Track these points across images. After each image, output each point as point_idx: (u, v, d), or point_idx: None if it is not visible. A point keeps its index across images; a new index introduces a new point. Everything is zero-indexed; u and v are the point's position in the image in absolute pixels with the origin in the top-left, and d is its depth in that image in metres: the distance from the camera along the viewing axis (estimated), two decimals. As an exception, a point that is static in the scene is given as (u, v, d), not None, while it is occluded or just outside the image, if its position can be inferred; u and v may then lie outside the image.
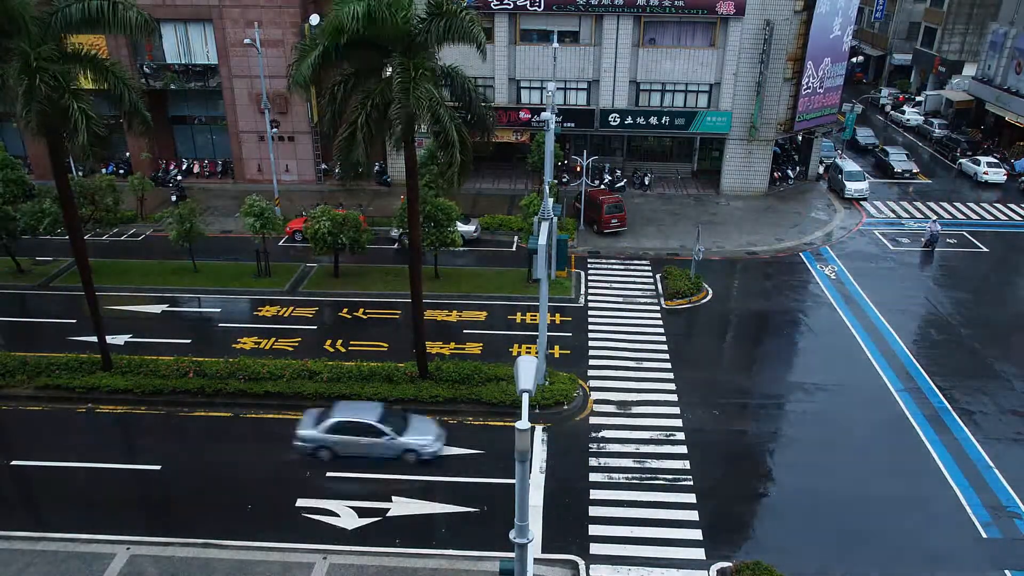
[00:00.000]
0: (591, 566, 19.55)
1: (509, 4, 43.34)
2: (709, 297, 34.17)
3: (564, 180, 46.69)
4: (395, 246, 38.52)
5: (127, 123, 24.21)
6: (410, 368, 26.62)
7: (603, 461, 23.46)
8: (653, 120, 45.64)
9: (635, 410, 25.94)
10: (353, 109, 21.47)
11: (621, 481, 22.61)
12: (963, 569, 19.85)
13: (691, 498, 21.91)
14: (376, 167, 46.53)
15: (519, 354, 25.72)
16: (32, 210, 33.62)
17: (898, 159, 52.02)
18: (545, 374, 26.61)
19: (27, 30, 21.23)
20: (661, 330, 31.12)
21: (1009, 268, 37.91)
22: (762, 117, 44.77)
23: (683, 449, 23.99)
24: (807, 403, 26.64)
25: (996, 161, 50.49)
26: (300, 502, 21.56)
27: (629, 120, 45.64)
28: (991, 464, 23.58)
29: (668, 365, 28.54)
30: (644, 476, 22.82)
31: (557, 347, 29.73)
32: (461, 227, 36.66)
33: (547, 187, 25.69)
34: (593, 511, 21.42)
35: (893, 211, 45.13)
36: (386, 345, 29.76)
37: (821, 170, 50.49)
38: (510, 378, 26.27)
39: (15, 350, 28.19)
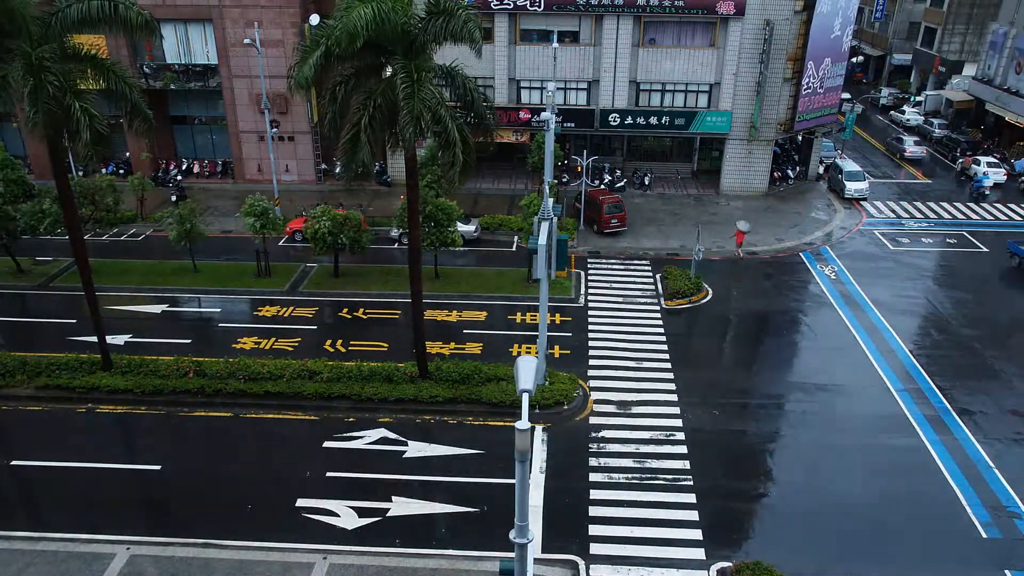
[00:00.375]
0: (591, 566, 19.54)
1: (509, 4, 43.35)
2: (709, 297, 34.17)
3: (564, 180, 46.69)
4: (395, 246, 38.54)
5: (128, 122, 24.19)
6: (410, 368, 26.62)
7: (603, 461, 23.45)
8: (653, 120, 45.64)
9: (635, 410, 25.94)
10: (355, 110, 21.46)
11: (621, 481, 22.60)
12: (963, 569, 19.84)
13: (691, 498, 21.91)
14: (376, 167, 46.53)
15: (519, 354, 25.71)
16: (32, 210, 33.62)
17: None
18: (545, 374, 26.61)
19: (27, 30, 21.24)
20: (661, 330, 31.12)
21: (1009, 268, 37.90)
22: (762, 117, 44.77)
23: (683, 449, 23.99)
24: (807, 403, 26.64)
25: (996, 161, 50.51)
26: (300, 502, 21.56)
27: (629, 120, 45.65)
28: (991, 464, 23.58)
29: (668, 365, 28.54)
30: (644, 476, 22.81)
31: (557, 347, 29.74)
32: (461, 227, 36.69)
33: (547, 187, 25.69)
34: (593, 511, 21.41)
35: (893, 211, 45.14)
36: (386, 345, 29.76)
37: (821, 170, 50.49)
38: (510, 378, 26.28)
39: (15, 350, 28.20)
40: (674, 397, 26.62)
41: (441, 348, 29.43)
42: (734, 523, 21.33)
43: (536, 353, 26.49)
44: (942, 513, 21.68)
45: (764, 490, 22.67)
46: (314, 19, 38.05)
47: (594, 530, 20.73)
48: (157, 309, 32.74)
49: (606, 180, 47.32)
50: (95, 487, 22.27)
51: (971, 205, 45.84)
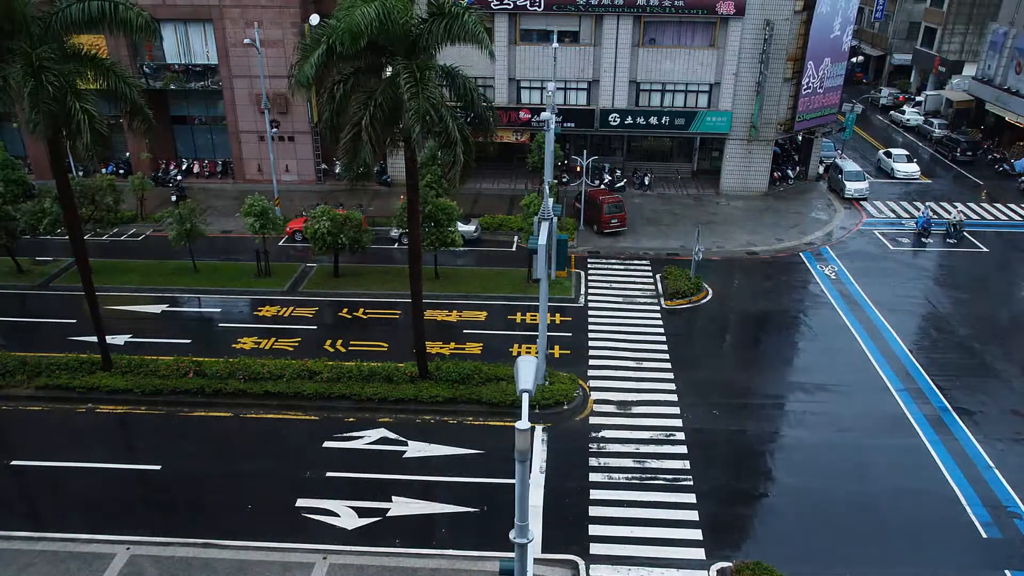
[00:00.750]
0: (591, 566, 19.53)
1: (509, 4, 43.35)
2: (709, 297, 34.17)
3: (564, 180, 46.67)
4: (395, 246, 38.54)
5: (128, 122, 24.21)
6: (410, 368, 26.62)
7: (603, 461, 23.45)
8: (653, 120, 45.64)
9: (635, 410, 25.93)
10: (355, 110, 21.43)
11: (621, 481, 22.60)
12: (963, 569, 19.84)
13: (691, 498, 21.91)
14: (376, 167, 46.51)
15: (519, 354, 25.71)
16: (32, 210, 33.63)
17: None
18: (545, 374, 26.61)
19: (28, 30, 21.23)
20: (661, 330, 31.12)
21: (1009, 268, 37.90)
22: (762, 117, 44.77)
23: (683, 449, 23.98)
24: (807, 403, 26.64)
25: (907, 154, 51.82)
26: (300, 502, 21.56)
27: (629, 120, 45.64)
28: (991, 464, 23.57)
29: (668, 365, 28.54)
30: (644, 476, 22.81)
31: (557, 347, 29.74)
32: (461, 227, 36.69)
33: (547, 187, 25.71)
34: (593, 511, 21.41)
35: (893, 211, 45.14)
36: (386, 345, 29.76)
37: (821, 170, 50.49)
38: (510, 378, 26.28)
39: (15, 350, 28.21)
40: (674, 397, 26.62)
41: (441, 348, 29.43)
42: (734, 523, 21.33)
43: (536, 353, 26.49)
44: (942, 513, 21.67)
45: (764, 490, 22.67)
46: (314, 19, 38.03)
47: (594, 530, 20.73)
48: (157, 309, 32.74)
49: (606, 180, 47.31)
50: (95, 487, 22.27)
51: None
